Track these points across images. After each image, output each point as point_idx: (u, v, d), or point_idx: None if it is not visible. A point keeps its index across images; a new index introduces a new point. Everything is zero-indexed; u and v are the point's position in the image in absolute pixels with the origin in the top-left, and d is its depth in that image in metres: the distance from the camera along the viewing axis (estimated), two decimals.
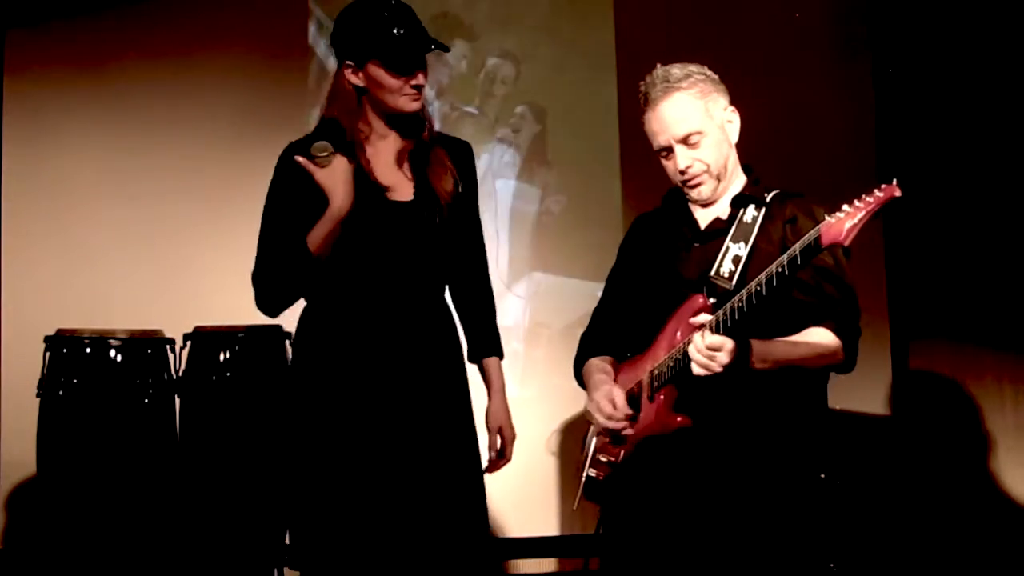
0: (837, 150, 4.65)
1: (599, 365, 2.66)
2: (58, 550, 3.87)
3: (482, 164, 4.69)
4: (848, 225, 2.10)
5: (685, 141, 2.52)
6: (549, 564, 4.53)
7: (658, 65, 2.59)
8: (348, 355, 2.50)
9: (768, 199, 2.55)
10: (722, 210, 2.57)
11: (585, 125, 4.74)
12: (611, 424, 2.53)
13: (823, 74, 4.75)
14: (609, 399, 2.54)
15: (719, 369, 2.30)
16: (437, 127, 2.73)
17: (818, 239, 2.15)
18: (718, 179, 2.55)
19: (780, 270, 2.21)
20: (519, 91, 4.78)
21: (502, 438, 2.66)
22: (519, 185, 4.75)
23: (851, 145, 4.71)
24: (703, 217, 2.60)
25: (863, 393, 4.48)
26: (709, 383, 2.33)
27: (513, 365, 4.66)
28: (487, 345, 2.70)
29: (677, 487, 2.44)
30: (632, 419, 2.51)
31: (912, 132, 4.67)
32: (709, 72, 2.60)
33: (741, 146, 2.65)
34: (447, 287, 2.68)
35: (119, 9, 4.64)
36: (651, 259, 2.64)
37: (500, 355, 2.71)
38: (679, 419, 2.41)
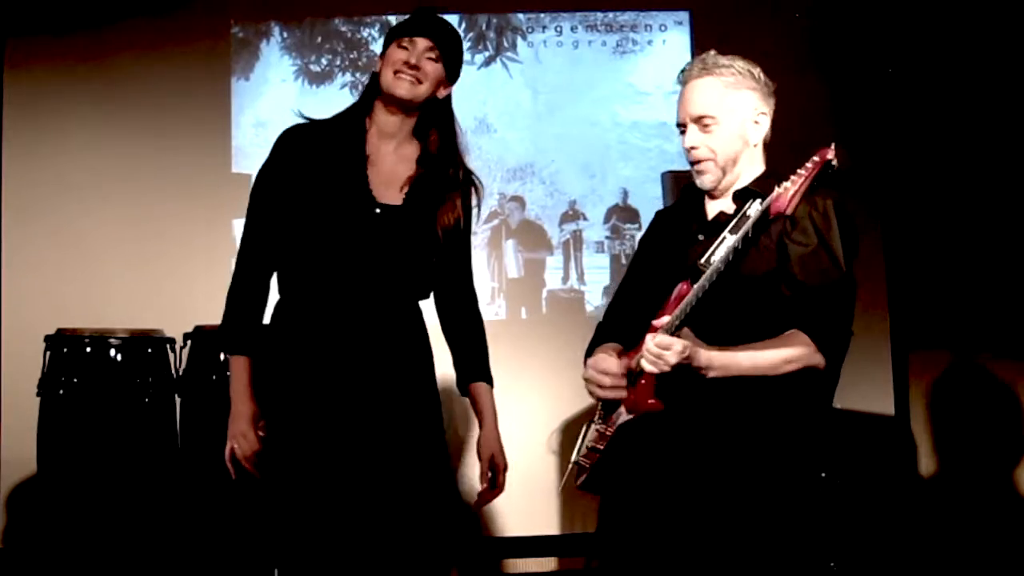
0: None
1: (604, 346, 2.61)
2: (58, 550, 3.87)
3: (482, 164, 4.70)
4: (791, 194, 2.19)
5: (699, 122, 2.49)
6: (549, 563, 4.52)
7: (712, 51, 2.55)
8: (319, 353, 2.44)
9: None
10: (728, 204, 2.53)
11: (585, 125, 4.74)
12: (597, 379, 2.47)
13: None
14: (600, 366, 2.48)
15: (667, 368, 2.28)
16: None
17: (767, 209, 2.21)
18: (723, 171, 2.51)
19: (738, 247, 2.26)
20: (519, 90, 4.79)
21: (494, 467, 2.57)
22: (519, 185, 4.74)
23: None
24: (711, 210, 2.57)
25: (863, 393, 4.48)
26: (680, 375, 2.31)
27: (513, 365, 4.66)
28: (475, 371, 2.60)
29: (661, 481, 2.41)
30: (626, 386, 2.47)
31: (913, 141, 4.67)
32: (758, 73, 2.53)
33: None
34: (438, 314, 2.62)
35: (120, 9, 4.64)
36: (661, 253, 2.62)
37: (489, 381, 2.61)
38: (650, 401, 2.38)
